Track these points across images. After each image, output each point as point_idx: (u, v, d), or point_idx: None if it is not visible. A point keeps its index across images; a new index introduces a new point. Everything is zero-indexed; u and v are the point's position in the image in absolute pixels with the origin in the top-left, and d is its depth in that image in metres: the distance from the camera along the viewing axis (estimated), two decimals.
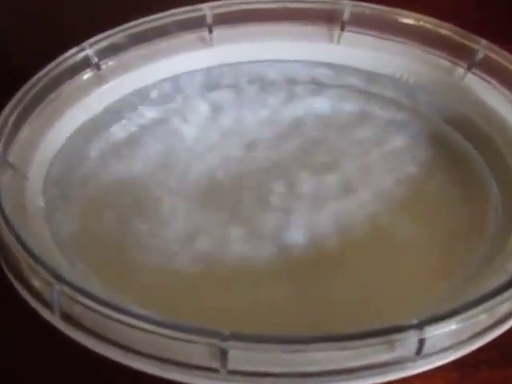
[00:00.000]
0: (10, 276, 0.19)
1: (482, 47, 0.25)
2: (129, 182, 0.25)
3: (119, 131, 0.26)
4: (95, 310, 0.16)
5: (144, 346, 0.17)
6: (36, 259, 0.17)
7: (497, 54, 0.25)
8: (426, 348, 0.17)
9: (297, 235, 0.23)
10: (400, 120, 0.27)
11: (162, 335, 0.16)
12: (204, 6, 0.27)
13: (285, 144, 0.27)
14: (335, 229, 0.23)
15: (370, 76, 0.27)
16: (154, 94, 0.27)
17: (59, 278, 0.17)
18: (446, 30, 0.26)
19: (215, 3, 0.27)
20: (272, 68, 0.28)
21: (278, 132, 0.27)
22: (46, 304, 0.18)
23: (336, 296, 0.21)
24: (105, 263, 0.21)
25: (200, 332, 0.16)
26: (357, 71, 0.27)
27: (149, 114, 0.27)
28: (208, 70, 0.27)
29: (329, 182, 0.25)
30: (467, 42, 0.25)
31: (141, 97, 0.27)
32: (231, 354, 0.16)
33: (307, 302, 0.21)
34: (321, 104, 0.28)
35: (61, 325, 0.17)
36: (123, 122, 0.27)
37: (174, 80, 0.27)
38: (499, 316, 0.18)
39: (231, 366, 0.16)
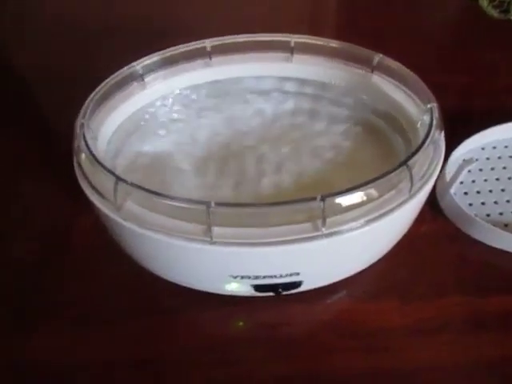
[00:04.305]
0: (84, 184, 0.29)
1: (377, 57, 0.34)
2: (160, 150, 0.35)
3: (155, 118, 0.37)
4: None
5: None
6: (107, 169, 0.27)
7: (387, 62, 0.34)
8: None
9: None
10: (333, 110, 0.37)
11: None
12: (206, 40, 0.37)
13: (265, 129, 0.36)
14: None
15: (312, 83, 0.37)
16: (176, 97, 0.37)
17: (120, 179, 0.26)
18: (354, 49, 0.35)
19: (214, 38, 0.36)
20: (250, 82, 0.38)
21: (259, 123, 0.37)
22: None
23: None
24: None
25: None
26: (304, 81, 0.37)
27: (175, 108, 0.37)
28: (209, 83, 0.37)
29: (292, 152, 0.34)
30: (368, 55, 0.34)
31: (168, 98, 0.37)
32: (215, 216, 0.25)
33: None
34: (283, 103, 0.38)
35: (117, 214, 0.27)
36: (158, 113, 0.37)
37: (191, 88, 0.37)
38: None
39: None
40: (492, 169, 0.42)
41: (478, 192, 0.40)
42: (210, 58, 0.36)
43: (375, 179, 0.26)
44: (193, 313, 0.35)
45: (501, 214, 0.39)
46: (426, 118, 0.30)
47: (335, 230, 0.26)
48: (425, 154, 0.28)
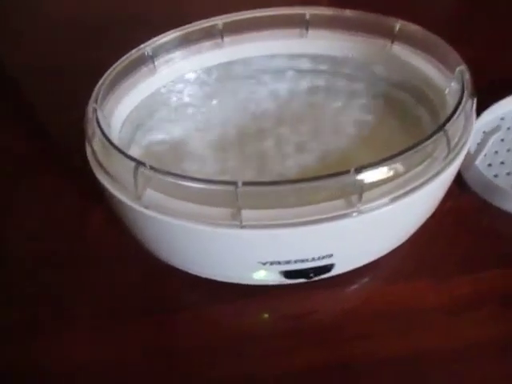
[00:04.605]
0: (99, 173, 0.26)
1: (399, 24, 0.32)
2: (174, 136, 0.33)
3: (167, 104, 0.34)
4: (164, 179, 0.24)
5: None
6: (125, 154, 0.25)
7: (409, 27, 0.32)
8: None
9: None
10: (351, 86, 0.35)
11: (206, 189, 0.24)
12: (217, 17, 0.34)
13: (282, 109, 0.34)
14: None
15: (328, 58, 0.35)
16: (188, 80, 0.35)
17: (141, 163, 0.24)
18: (372, 17, 0.33)
19: (225, 15, 0.34)
20: (265, 61, 0.35)
21: (277, 103, 0.35)
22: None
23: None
24: None
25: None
26: (319, 56, 0.35)
27: (187, 92, 0.35)
28: (222, 64, 0.35)
29: (312, 131, 0.33)
30: (389, 22, 0.32)
31: (180, 82, 0.35)
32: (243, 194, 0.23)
33: None
34: (299, 82, 0.36)
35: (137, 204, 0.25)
36: (170, 98, 0.35)
37: (202, 70, 0.35)
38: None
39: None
40: (502, 140, 0.40)
41: (502, 163, 0.39)
42: (222, 38, 0.34)
43: (411, 147, 0.24)
44: (214, 306, 0.33)
45: None
46: (454, 85, 0.29)
47: (371, 205, 0.24)
48: (458, 120, 0.26)
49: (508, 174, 0.38)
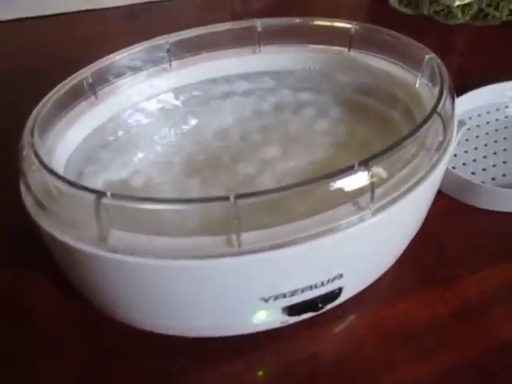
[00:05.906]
0: (41, 218, 0.20)
1: (353, 26, 0.30)
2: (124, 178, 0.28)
3: (113, 141, 0.29)
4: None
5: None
6: (80, 186, 0.19)
7: (364, 27, 0.30)
8: None
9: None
10: (316, 98, 0.32)
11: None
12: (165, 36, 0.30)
13: (246, 132, 0.30)
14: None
15: (288, 73, 0.32)
16: (135, 112, 0.30)
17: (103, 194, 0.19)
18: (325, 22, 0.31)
19: (172, 34, 0.30)
20: (219, 83, 0.32)
21: (238, 127, 0.31)
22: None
23: None
24: None
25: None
26: (277, 72, 0.32)
27: (138, 123, 0.30)
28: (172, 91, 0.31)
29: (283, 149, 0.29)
30: (343, 26, 0.30)
31: (129, 113, 0.30)
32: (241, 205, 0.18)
33: None
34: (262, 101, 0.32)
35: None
36: (116, 133, 0.29)
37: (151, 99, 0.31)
38: None
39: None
40: (467, 140, 0.40)
41: (464, 164, 0.38)
42: (170, 62, 0.30)
43: (411, 134, 0.22)
44: (203, 373, 0.26)
45: (493, 179, 0.36)
46: (424, 78, 0.27)
47: (382, 203, 0.21)
48: (446, 102, 0.24)
49: (473, 173, 0.37)
